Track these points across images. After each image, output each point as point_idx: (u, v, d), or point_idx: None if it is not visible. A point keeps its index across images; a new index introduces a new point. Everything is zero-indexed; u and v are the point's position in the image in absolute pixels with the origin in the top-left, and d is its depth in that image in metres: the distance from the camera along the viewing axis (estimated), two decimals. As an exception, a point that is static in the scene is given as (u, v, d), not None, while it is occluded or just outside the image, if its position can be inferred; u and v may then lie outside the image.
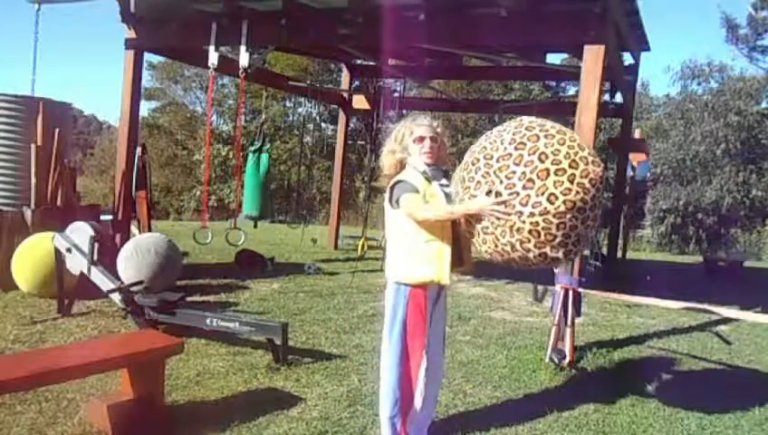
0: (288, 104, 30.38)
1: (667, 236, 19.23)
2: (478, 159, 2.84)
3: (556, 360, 4.53)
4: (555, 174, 2.66)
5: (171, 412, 3.39)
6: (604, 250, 9.46)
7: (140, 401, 3.25)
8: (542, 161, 2.68)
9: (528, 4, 5.21)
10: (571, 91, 20.18)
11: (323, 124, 25.33)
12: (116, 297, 4.83)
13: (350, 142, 14.00)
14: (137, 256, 5.64)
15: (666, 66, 36.82)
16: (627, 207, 10.33)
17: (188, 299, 5.20)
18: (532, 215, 2.67)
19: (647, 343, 5.56)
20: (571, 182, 2.66)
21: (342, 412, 3.52)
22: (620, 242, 9.54)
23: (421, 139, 2.95)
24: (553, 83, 23.80)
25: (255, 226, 8.13)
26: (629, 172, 9.63)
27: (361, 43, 7.37)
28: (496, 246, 2.80)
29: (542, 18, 5.30)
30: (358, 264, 8.94)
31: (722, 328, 6.32)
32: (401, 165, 3.00)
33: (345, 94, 10.62)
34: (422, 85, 14.42)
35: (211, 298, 6.25)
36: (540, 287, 5.35)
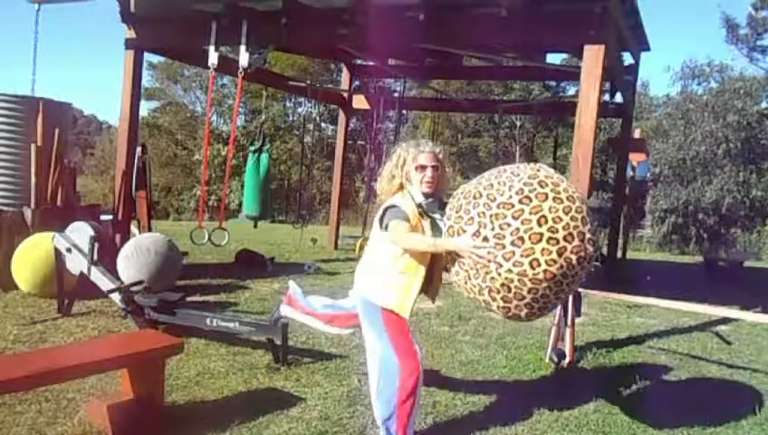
0: (288, 104, 30.42)
1: (667, 236, 19.25)
2: (481, 194, 2.76)
3: (556, 360, 4.53)
4: (547, 241, 2.60)
5: (171, 412, 3.39)
6: (604, 250, 9.46)
7: (140, 401, 3.25)
8: (539, 225, 2.61)
9: (528, 4, 5.20)
10: (571, 91, 20.17)
11: (323, 124, 25.35)
12: (116, 297, 4.82)
13: (350, 142, 14.01)
14: (137, 256, 5.64)
15: (666, 66, 36.85)
16: (627, 207, 10.34)
17: (188, 299, 5.19)
18: (509, 271, 2.63)
19: (647, 343, 5.55)
20: (560, 255, 2.62)
21: (342, 412, 3.52)
22: (620, 242, 9.55)
23: (423, 167, 2.89)
24: (553, 83, 23.81)
25: (255, 226, 8.13)
26: (629, 172, 9.64)
27: (361, 43, 7.37)
28: (466, 282, 2.81)
29: (542, 18, 5.30)
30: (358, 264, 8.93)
31: (722, 328, 6.32)
32: (399, 189, 2.97)
33: (345, 94, 10.62)
34: (422, 85, 14.42)
35: (211, 298, 6.24)
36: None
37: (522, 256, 2.59)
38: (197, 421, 3.29)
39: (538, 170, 2.80)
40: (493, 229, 2.64)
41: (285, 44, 8.53)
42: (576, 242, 2.64)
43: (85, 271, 5.04)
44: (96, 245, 5.05)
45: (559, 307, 4.60)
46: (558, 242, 2.60)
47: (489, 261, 2.65)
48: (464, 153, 32.47)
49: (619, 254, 9.53)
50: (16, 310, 5.35)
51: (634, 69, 8.68)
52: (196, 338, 4.64)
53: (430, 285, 3.03)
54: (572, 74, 7.80)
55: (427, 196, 2.92)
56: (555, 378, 4.35)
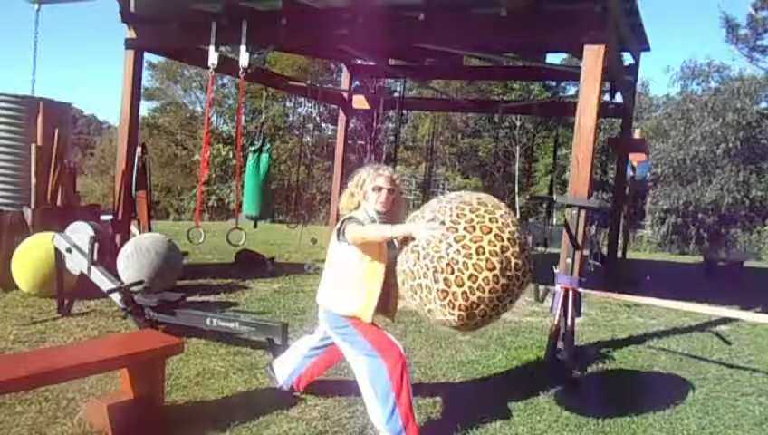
0: (288, 104, 30.40)
1: (667, 236, 19.25)
2: (445, 199, 3.06)
3: (556, 360, 4.53)
4: (494, 236, 2.85)
5: (171, 412, 3.39)
6: (604, 250, 9.46)
7: (140, 401, 3.25)
8: (491, 222, 2.88)
9: (528, 4, 5.20)
10: (571, 91, 20.18)
11: (323, 124, 25.34)
12: (116, 297, 4.83)
13: (350, 142, 14.01)
14: (137, 255, 5.63)
15: (666, 66, 36.88)
16: (627, 207, 10.33)
17: (188, 299, 5.19)
18: (457, 252, 2.82)
19: (647, 343, 5.56)
20: (503, 251, 2.84)
21: (342, 412, 3.53)
22: (620, 242, 9.54)
23: (379, 188, 3.19)
24: (553, 83, 23.80)
25: (255, 226, 8.13)
26: (629, 172, 9.63)
27: (361, 43, 7.36)
28: (414, 264, 2.94)
29: (542, 18, 5.29)
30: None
31: (722, 328, 6.33)
32: (357, 207, 3.25)
33: (345, 94, 10.62)
34: (422, 85, 14.42)
35: (211, 298, 6.25)
36: (541, 288, 5.34)
37: (471, 241, 2.82)
38: (197, 421, 3.29)
39: (491, 208, 3.03)
40: (450, 216, 2.90)
41: (285, 44, 8.53)
42: (517, 248, 2.88)
43: (85, 271, 5.04)
44: (96, 245, 5.05)
45: (559, 307, 4.61)
46: (503, 240, 2.85)
47: (441, 240, 2.84)
48: (464, 153, 32.48)
49: (619, 254, 9.52)
50: (16, 310, 5.35)
51: (634, 69, 8.67)
52: (197, 338, 4.64)
53: (388, 301, 3.24)
54: (572, 74, 7.79)
55: (380, 214, 3.20)
56: (555, 378, 4.34)
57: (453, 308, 2.85)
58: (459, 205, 2.94)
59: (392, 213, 3.25)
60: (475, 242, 2.81)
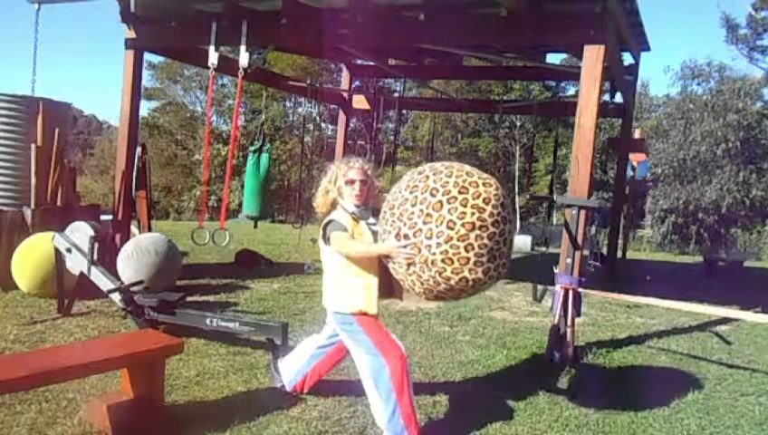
0: (288, 104, 30.42)
1: (667, 236, 19.26)
2: (385, 212, 3.05)
3: (556, 360, 4.53)
4: (448, 202, 2.85)
5: (171, 412, 3.39)
6: (604, 250, 9.46)
7: (140, 401, 3.25)
8: (433, 196, 2.88)
9: (528, 5, 5.20)
10: (571, 91, 20.15)
11: (323, 124, 25.33)
12: (116, 297, 4.83)
13: (349, 142, 13.99)
14: (137, 255, 5.64)
15: (666, 66, 36.89)
16: (627, 207, 10.33)
17: (188, 299, 5.19)
18: (438, 245, 2.83)
19: (647, 343, 5.56)
20: (465, 205, 2.85)
21: (342, 412, 3.52)
22: (620, 242, 9.54)
23: (352, 181, 3.21)
24: (553, 83, 23.79)
25: (255, 226, 8.13)
26: (629, 172, 9.63)
27: (361, 43, 7.36)
28: (422, 283, 2.96)
29: (541, 18, 5.29)
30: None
31: (722, 328, 6.32)
32: (333, 205, 3.26)
33: (345, 94, 10.62)
34: (422, 85, 14.42)
35: (211, 298, 6.25)
36: (540, 287, 5.34)
37: (437, 225, 2.84)
38: (197, 421, 3.29)
39: (416, 169, 3.14)
40: (405, 224, 2.91)
41: (285, 44, 8.53)
42: (472, 190, 2.88)
43: (85, 271, 5.04)
44: (96, 245, 5.05)
45: (559, 307, 4.61)
46: (456, 198, 2.85)
47: (419, 250, 2.86)
48: (464, 153, 32.46)
49: (619, 254, 9.52)
50: (16, 310, 5.35)
51: (634, 69, 8.68)
52: (196, 338, 4.64)
53: (391, 285, 3.24)
54: (572, 74, 7.79)
55: (357, 207, 3.23)
56: (555, 378, 4.35)
57: (481, 281, 2.92)
58: (402, 209, 2.96)
59: (368, 204, 3.28)
60: (441, 222, 2.83)
